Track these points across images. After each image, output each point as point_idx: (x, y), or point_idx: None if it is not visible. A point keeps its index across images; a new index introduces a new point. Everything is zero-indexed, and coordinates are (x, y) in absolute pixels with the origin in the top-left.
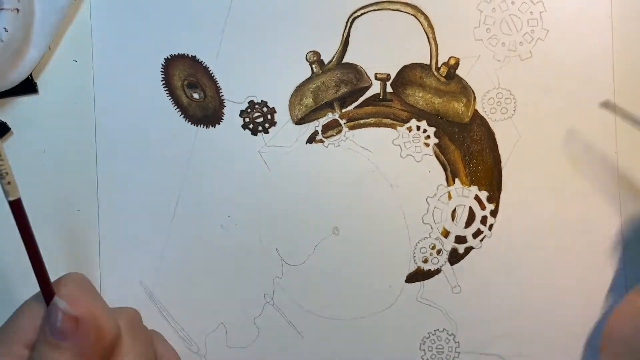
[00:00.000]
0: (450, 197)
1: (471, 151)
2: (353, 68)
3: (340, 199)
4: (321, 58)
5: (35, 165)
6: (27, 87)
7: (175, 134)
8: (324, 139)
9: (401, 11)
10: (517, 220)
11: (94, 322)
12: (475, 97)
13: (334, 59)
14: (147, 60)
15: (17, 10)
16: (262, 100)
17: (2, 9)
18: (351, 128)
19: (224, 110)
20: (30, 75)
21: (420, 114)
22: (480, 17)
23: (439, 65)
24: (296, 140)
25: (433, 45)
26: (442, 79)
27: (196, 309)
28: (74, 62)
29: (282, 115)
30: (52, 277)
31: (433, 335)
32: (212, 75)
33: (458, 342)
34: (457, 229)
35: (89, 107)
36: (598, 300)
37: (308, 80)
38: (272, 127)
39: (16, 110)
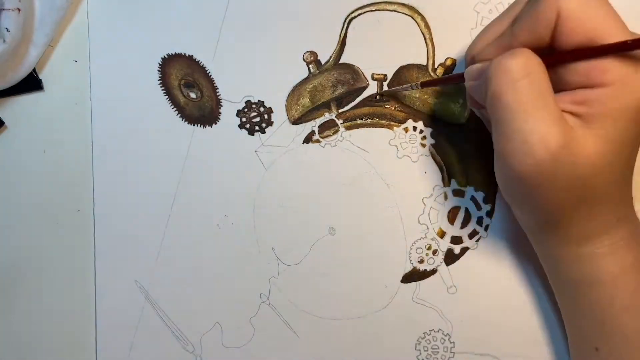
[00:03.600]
0: (446, 197)
1: (467, 152)
2: (350, 68)
3: (337, 199)
4: (318, 58)
5: (35, 165)
6: (32, 84)
7: (171, 133)
8: (320, 139)
9: (398, 12)
10: (513, 221)
11: None
12: None
13: (331, 59)
14: (144, 59)
15: (19, 10)
16: (259, 100)
17: (4, 9)
18: (348, 128)
19: (220, 110)
20: (35, 71)
21: (416, 115)
22: (477, 18)
23: (436, 66)
24: (293, 140)
25: (430, 46)
26: None
27: (192, 309)
28: (74, 63)
29: (279, 115)
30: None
31: (428, 335)
32: (209, 74)
33: (453, 342)
34: (453, 229)
35: (88, 107)
36: None
37: (305, 81)
38: (269, 127)
39: (16, 110)
